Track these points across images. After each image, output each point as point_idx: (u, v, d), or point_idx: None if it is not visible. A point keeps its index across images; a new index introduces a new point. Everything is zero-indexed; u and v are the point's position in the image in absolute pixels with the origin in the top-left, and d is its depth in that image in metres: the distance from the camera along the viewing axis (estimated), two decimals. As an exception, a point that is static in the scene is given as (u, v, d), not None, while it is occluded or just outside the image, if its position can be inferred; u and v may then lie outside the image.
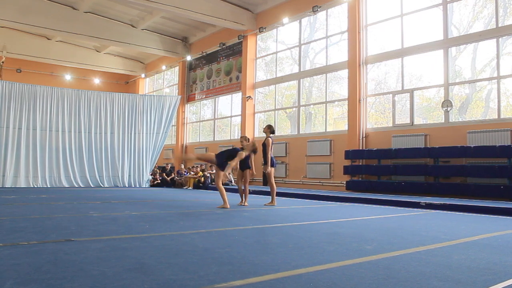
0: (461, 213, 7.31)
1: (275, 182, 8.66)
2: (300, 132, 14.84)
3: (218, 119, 19.53)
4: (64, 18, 17.59)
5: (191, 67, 20.79)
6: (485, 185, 9.29)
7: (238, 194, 8.51)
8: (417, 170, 10.55)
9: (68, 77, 23.58)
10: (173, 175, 16.72)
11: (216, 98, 19.24)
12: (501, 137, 9.41)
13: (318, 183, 13.56)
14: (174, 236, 4.15)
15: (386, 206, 8.43)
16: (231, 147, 8.52)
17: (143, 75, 24.65)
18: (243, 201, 8.15)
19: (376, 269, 2.89)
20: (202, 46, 19.72)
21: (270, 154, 8.31)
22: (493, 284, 2.56)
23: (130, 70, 24.46)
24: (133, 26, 19.56)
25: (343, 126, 13.51)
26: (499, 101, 9.89)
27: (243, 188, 8.21)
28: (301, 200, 10.10)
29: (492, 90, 10.41)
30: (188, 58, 20.25)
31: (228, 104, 18.60)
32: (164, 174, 16.77)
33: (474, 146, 9.59)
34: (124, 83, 25.76)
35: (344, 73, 13.40)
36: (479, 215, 7.06)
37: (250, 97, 16.59)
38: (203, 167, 15.87)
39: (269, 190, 8.58)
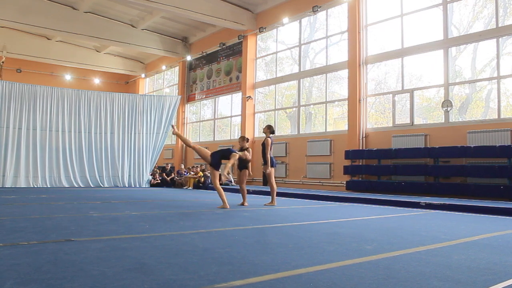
0: (461, 213, 7.31)
1: (275, 182, 8.66)
2: (300, 132, 14.84)
3: (218, 119, 19.53)
4: (64, 18, 17.60)
5: (191, 67, 20.79)
6: (485, 185, 9.29)
7: (238, 194, 8.50)
8: (417, 170, 10.55)
9: (68, 77, 23.58)
10: (173, 175, 16.72)
11: (216, 98, 19.24)
12: (501, 137, 9.41)
13: (318, 183, 13.56)
14: (174, 236, 4.15)
15: (386, 206, 8.43)
16: (226, 148, 8.50)
17: (143, 75, 24.65)
18: (243, 201, 8.15)
19: (376, 269, 2.89)
20: (202, 46, 19.73)
21: (270, 154, 8.30)
22: (493, 284, 2.56)
23: (130, 70, 24.46)
24: (133, 26, 19.56)
25: (343, 126, 13.51)
26: (499, 101, 9.89)
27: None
28: (301, 200, 10.10)
29: (492, 90, 10.41)
30: (188, 58, 20.25)
31: (228, 104, 18.60)
32: (164, 174, 16.77)
33: (474, 146, 9.59)
34: (124, 83, 25.76)
35: (344, 73, 13.40)
36: (479, 215, 7.06)
37: (250, 97, 16.58)
38: (203, 167, 15.86)
39: (269, 190, 8.58)
